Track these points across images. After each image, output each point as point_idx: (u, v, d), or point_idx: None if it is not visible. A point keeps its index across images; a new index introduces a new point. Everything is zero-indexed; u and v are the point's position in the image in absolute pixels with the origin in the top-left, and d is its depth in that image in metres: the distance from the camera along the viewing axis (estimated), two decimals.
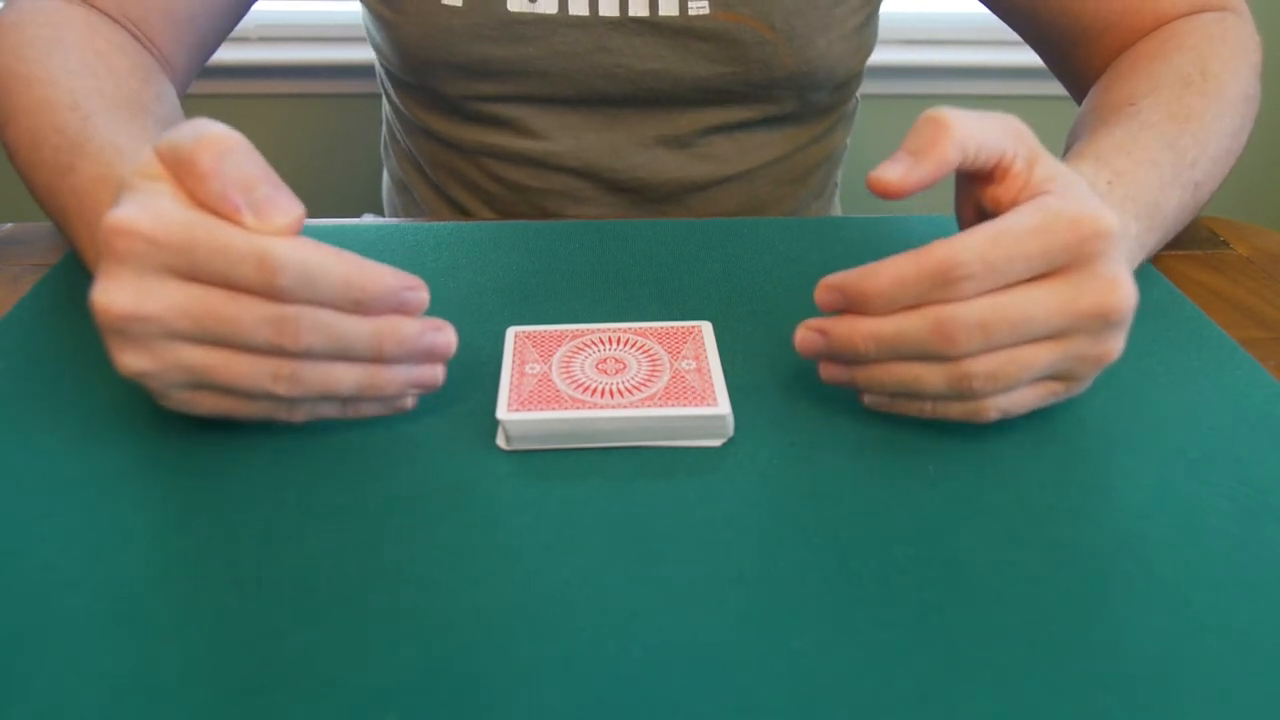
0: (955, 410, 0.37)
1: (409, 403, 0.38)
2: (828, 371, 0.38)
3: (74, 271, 0.50)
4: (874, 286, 0.35)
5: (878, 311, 0.35)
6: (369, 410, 0.37)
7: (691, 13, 0.62)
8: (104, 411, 0.39)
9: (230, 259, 0.32)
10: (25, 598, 0.31)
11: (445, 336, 0.36)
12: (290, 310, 0.33)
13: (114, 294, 0.33)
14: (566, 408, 0.37)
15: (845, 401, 0.40)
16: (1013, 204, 0.36)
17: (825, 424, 0.39)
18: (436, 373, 0.37)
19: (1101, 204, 0.35)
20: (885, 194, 0.35)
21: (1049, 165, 0.37)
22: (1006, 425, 0.38)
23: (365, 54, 0.74)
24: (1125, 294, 0.35)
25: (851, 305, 0.36)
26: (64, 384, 0.41)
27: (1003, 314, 0.34)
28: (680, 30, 0.63)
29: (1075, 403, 0.40)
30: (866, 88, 0.79)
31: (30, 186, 0.49)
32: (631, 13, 0.62)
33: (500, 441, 0.38)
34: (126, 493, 0.35)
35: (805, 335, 0.38)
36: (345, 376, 0.35)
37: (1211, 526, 0.34)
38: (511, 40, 0.63)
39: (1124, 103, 0.50)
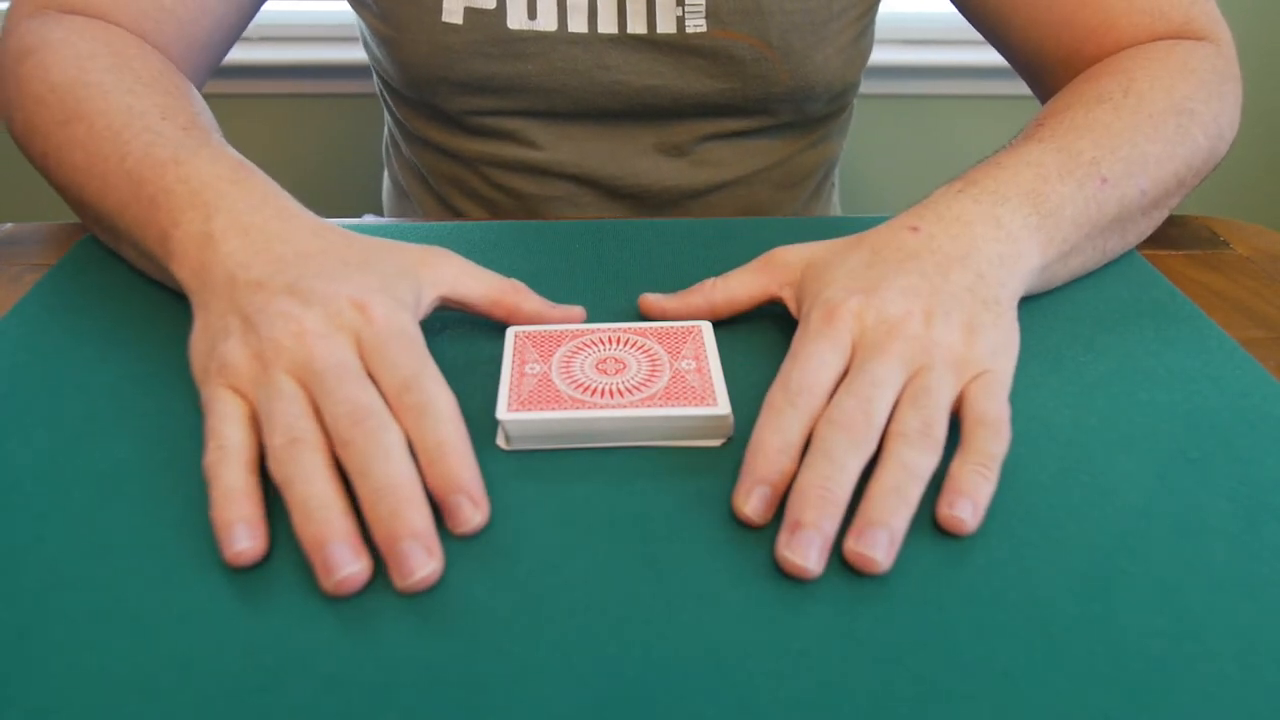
0: (981, 444, 0.36)
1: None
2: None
3: (74, 272, 0.50)
4: (770, 445, 0.35)
5: (781, 471, 0.34)
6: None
7: (689, 30, 0.62)
8: (104, 411, 0.39)
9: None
10: (25, 598, 0.31)
11: (420, 573, 0.31)
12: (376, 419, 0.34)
13: (314, 323, 0.36)
14: (566, 408, 0.37)
15: None
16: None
17: None
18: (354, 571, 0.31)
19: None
20: (647, 313, 0.45)
21: (808, 282, 0.42)
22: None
23: (365, 55, 0.74)
24: (864, 303, 0.38)
25: (769, 485, 0.34)
26: (64, 384, 0.41)
27: (864, 382, 0.36)
28: (678, 47, 0.63)
29: (1075, 403, 0.40)
30: (864, 87, 0.79)
31: (84, 180, 0.47)
32: (630, 30, 0.62)
33: (500, 441, 0.38)
34: (126, 492, 0.35)
35: (792, 554, 0.32)
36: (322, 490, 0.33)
37: (1211, 526, 0.34)
38: (511, 58, 0.63)
39: (1033, 125, 0.50)
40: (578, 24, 0.62)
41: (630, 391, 0.38)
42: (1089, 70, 0.55)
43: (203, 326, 0.39)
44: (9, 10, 0.56)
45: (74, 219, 0.56)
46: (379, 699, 0.28)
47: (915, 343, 0.37)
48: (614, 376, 0.39)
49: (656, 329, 0.42)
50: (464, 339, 0.44)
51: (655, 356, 0.40)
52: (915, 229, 0.42)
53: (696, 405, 0.37)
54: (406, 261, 0.41)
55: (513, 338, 0.41)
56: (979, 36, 0.67)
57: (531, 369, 0.39)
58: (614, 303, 0.47)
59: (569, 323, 0.43)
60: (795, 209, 0.75)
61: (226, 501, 0.33)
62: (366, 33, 0.70)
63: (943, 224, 0.43)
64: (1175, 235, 0.57)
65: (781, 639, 0.30)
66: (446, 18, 0.62)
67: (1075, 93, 0.52)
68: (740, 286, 0.44)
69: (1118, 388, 0.41)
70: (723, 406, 0.37)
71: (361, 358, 0.36)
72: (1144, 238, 0.52)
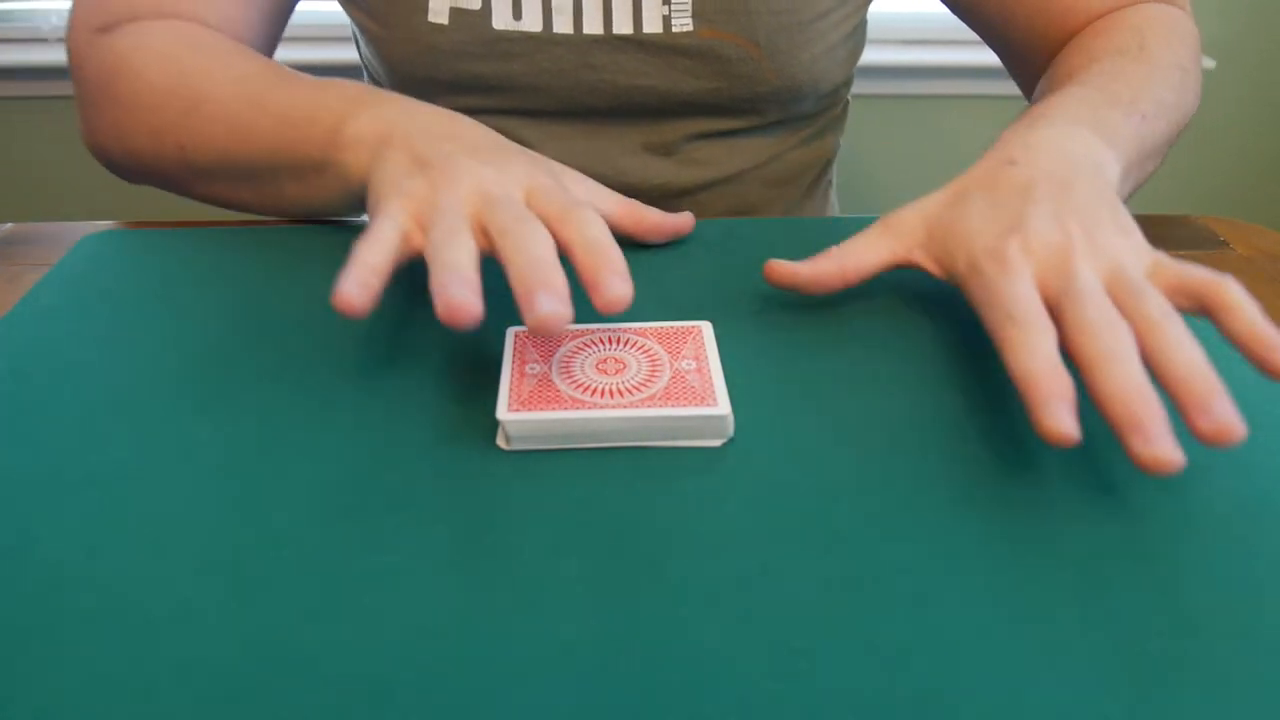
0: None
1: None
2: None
3: (74, 272, 0.50)
4: (1044, 370, 0.34)
5: (1065, 378, 0.34)
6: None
7: (675, 30, 0.62)
8: (104, 411, 0.39)
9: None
10: (25, 598, 0.31)
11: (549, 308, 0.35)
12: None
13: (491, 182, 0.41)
14: (567, 408, 0.37)
15: (845, 402, 0.40)
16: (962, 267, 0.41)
17: (825, 424, 0.39)
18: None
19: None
20: (776, 280, 0.45)
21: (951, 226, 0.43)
22: (1006, 426, 0.39)
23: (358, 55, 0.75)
24: (1023, 241, 0.39)
25: (1065, 397, 0.33)
26: (64, 384, 0.41)
27: (1101, 323, 0.35)
28: (664, 47, 0.63)
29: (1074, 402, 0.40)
30: (861, 88, 0.79)
31: (230, 144, 0.53)
32: (616, 30, 0.63)
33: (500, 442, 0.38)
34: (126, 492, 0.35)
35: (1153, 451, 0.32)
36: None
37: (1211, 526, 0.34)
38: (497, 58, 0.63)
39: (1063, 80, 0.53)
40: (563, 25, 0.63)
41: (630, 391, 0.38)
42: (1094, 26, 0.60)
43: (383, 177, 0.43)
44: (70, 44, 0.59)
45: (75, 219, 0.56)
46: (378, 699, 0.28)
47: (1091, 258, 0.38)
48: (614, 376, 0.39)
49: (656, 329, 0.42)
50: (463, 339, 0.44)
51: (655, 357, 0.40)
52: (1013, 162, 0.44)
53: (696, 405, 0.37)
54: (549, 161, 0.48)
55: (512, 337, 0.41)
56: (975, 36, 0.68)
57: (531, 369, 0.39)
58: None
59: (680, 228, 0.53)
60: (788, 207, 0.75)
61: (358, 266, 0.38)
62: (357, 32, 0.71)
63: (1036, 152, 0.44)
64: (1175, 235, 0.57)
65: (781, 639, 0.30)
66: (432, 18, 0.62)
67: (1090, 50, 0.56)
68: (869, 252, 0.45)
69: None
70: (723, 406, 0.37)
71: (534, 208, 0.40)
72: (1139, 187, 0.55)
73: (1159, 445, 0.32)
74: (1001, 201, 0.42)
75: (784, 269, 0.45)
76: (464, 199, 0.40)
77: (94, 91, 0.57)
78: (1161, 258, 0.39)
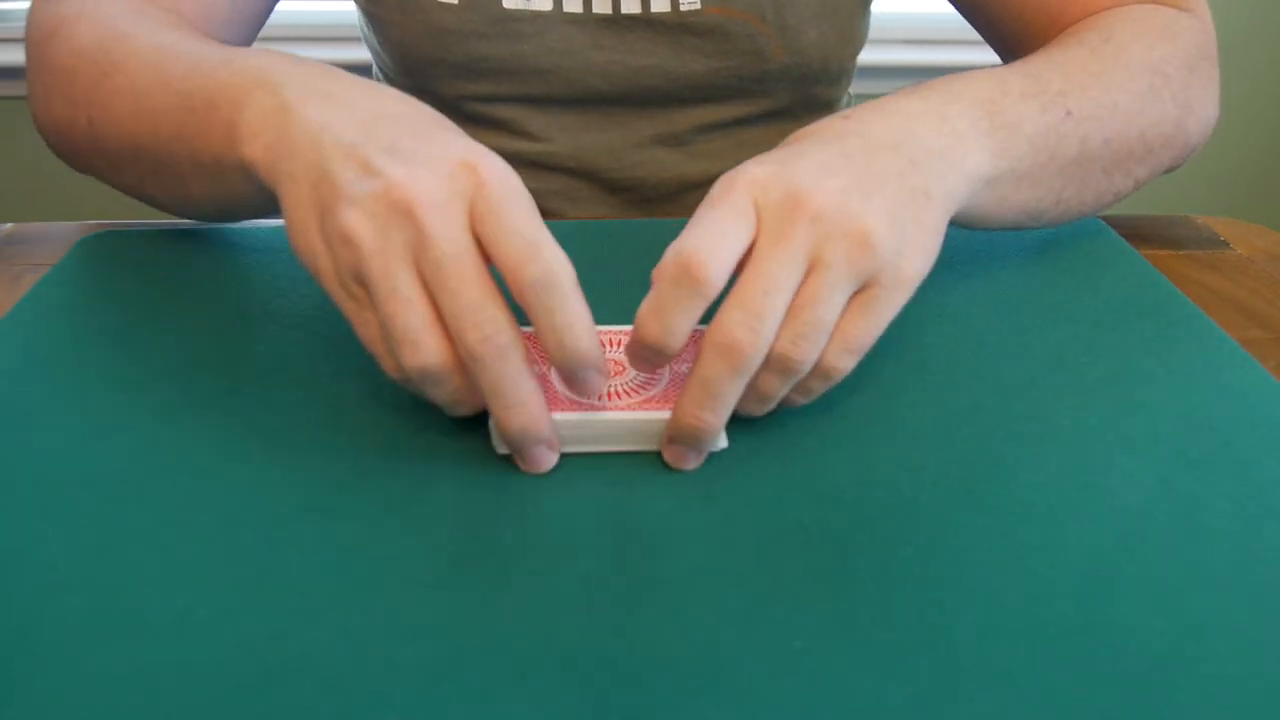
0: (812, 385, 0.37)
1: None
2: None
3: (74, 272, 0.50)
4: (651, 335, 0.34)
5: (673, 349, 0.34)
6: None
7: (683, 8, 0.62)
8: (104, 411, 0.39)
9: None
10: (25, 598, 0.31)
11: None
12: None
13: (417, 183, 0.33)
14: (566, 409, 0.37)
15: (845, 402, 0.40)
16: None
17: (825, 424, 0.39)
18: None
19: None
20: None
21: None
22: (1006, 426, 0.38)
23: (365, 54, 0.75)
24: (774, 173, 0.35)
25: (656, 362, 0.35)
26: (64, 384, 0.41)
27: (749, 294, 0.33)
28: (673, 26, 0.63)
29: (1075, 403, 0.40)
30: (862, 88, 0.79)
31: (134, 125, 0.46)
32: (624, 9, 0.63)
33: (497, 444, 0.38)
34: (127, 492, 0.35)
35: (670, 454, 0.36)
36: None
37: (1211, 526, 0.34)
38: (506, 38, 0.63)
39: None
40: (572, 4, 0.62)
41: (629, 394, 0.38)
42: (1073, 25, 0.55)
43: (294, 202, 0.36)
44: (29, 14, 0.55)
45: (75, 219, 0.56)
46: (378, 699, 0.28)
47: (821, 224, 0.34)
48: (613, 379, 0.39)
49: None
50: None
51: None
52: (847, 117, 0.40)
53: None
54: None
55: None
56: (976, 37, 0.68)
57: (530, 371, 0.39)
58: (613, 304, 0.47)
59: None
60: None
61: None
62: (364, 21, 0.70)
63: (880, 114, 0.40)
64: (1175, 235, 0.57)
65: (781, 639, 0.30)
66: None
67: (1056, 41, 0.52)
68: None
69: (1118, 388, 0.41)
70: None
71: (474, 225, 0.34)
72: (1102, 208, 0.51)
73: (679, 459, 0.36)
74: (795, 143, 0.39)
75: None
76: (402, 260, 0.33)
77: (32, 57, 0.53)
78: (877, 297, 0.35)
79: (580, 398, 0.36)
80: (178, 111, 0.43)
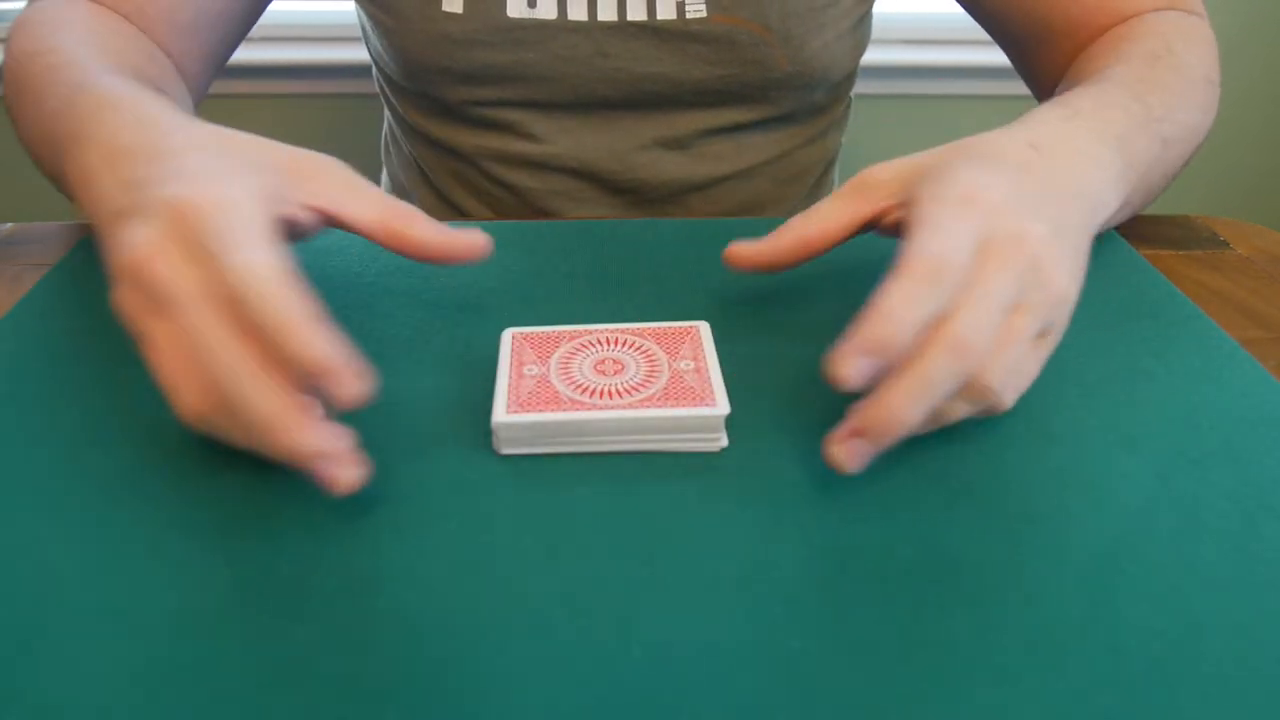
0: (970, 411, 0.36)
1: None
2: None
3: (74, 272, 0.50)
4: (891, 328, 0.33)
5: (903, 346, 0.33)
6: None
7: (689, 16, 0.62)
8: (104, 412, 0.39)
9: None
10: (25, 598, 0.31)
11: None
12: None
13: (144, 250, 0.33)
14: (565, 409, 0.37)
15: (845, 402, 0.40)
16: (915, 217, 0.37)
17: (825, 424, 0.39)
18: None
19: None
20: (736, 263, 0.43)
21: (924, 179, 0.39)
22: (1006, 426, 0.38)
23: (365, 54, 0.75)
24: (1015, 225, 0.35)
25: (881, 356, 0.33)
26: (64, 384, 0.41)
27: (984, 307, 0.33)
28: (677, 34, 0.63)
29: (1075, 402, 0.40)
30: (863, 87, 0.79)
31: (37, 146, 0.50)
32: (629, 17, 0.63)
33: (498, 445, 0.38)
34: (126, 493, 0.35)
35: (845, 451, 0.34)
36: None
37: (1211, 526, 0.34)
38: (511, 46, 0.63)
39: (1093, 75, 0.50)
40: (577, 12, 0.62)
41: (629, 392, 0.38)
42: (1118, 30, 0.57)
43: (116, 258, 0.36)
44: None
45: (74, 219, 0.56)
46: (378, 699, 0.28)
47: (1035, 274, 0.35)
48: (613, 377, 0.39)
49: (655, 329, 0.42)
50: (461, 340, 0.44)
51: (654, 357, 0.40)
52: (1036, 148, 0.40)
53: (695, 405, 0.37)
54: (283, 161, 0.39)
55: (510, 339, 0.41)
56: (977, 37, 0.68)
57: (530, 370, 0.39)
58: (613, 303, 0.47)
59: (461, 251, 0.40)
60: (795, 204, 0.75)
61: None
62: (367, 24, 0.70)
63: (1059, 146, 0.41)
64: (1175, 235, 0.57)
65: (781, 639, 0.30)
66: (446, 6, 0.62)
67: (1120, 50, 0.53)
68: (832, 215, 0.42)
69: (1118, 388, 0.41)
70: (722, 406, 0.37)
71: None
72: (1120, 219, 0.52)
73: (851, 457, 0.34)
74: (1008, 170, 0.39)
75: (744, 252, 0.43)
76: (150, 312, 0.34)
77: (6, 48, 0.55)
78: (1048, 345, 0.37)
79: (335, 404, 0.32)
80: (48, 142, 0.47)
